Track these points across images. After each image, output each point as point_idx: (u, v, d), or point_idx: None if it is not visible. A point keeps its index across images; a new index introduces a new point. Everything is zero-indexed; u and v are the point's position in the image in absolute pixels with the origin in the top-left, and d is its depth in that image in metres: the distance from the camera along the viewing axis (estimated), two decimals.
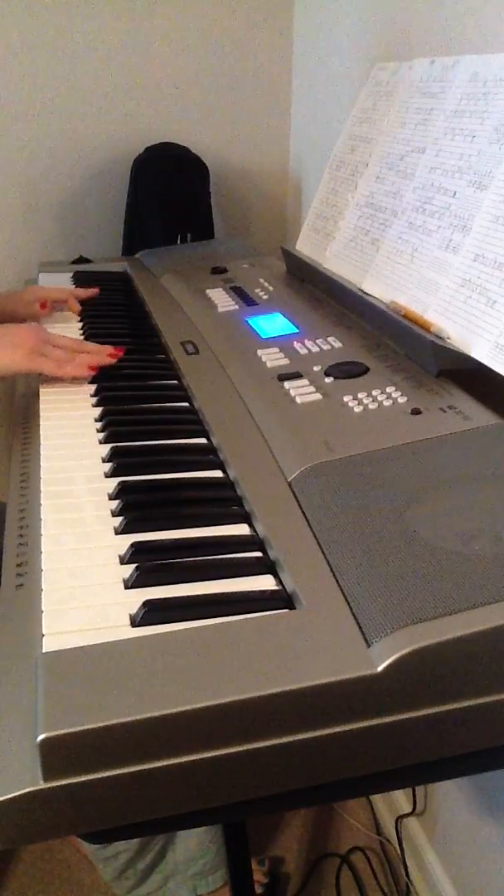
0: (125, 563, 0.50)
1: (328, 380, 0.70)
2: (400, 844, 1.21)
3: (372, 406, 0.64)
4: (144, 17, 1.28)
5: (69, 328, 0.97)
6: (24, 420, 0.74)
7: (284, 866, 1.24)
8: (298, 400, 0.67)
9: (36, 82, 1.28)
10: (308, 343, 0.78)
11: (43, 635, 0.44)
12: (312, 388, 0.68)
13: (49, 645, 0.43)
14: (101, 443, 0.67)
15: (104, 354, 0.81)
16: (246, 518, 0.55)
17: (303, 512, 0.52)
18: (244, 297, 0.94)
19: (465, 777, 1.00)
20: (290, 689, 0.38)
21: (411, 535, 0.47)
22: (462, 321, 0.67)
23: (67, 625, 0.45)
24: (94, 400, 0.76)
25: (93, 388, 0.78)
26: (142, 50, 1.30)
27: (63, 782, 0.37)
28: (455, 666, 0.40)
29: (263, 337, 0.82)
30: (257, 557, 0.51)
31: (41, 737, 0.36)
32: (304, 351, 0.76)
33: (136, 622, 0.44)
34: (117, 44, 1.29)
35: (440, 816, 1.12)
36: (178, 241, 1.31)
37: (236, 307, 0.92)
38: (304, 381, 0.70)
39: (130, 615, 0.45)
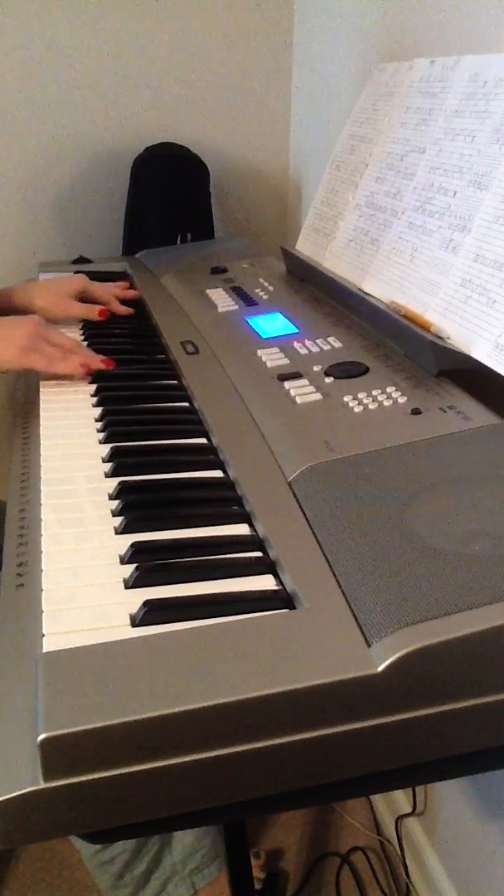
0: (125, 563, 0.50)
1: (328, 380, 0.70)
2: (400, 844, 1.21)
3: (372, 406, 0.64)
4: (145, 16, 1.28)
5: (70, 330, 0.97)
6: (24, 420, 0.74)
7: (284, 865, 1.24)
8: (298, 400, 0.67)
9: (36, 82, 1.28)
10: (308, 343, 0.78)
11: (43, 635, 0.44)
12: (312, 388, 0.68)
13: (49, 645, 0.43)
14: (101, 443, 0.67)
15: (97, 359, 0.81)
16: (246, 518, 0.55)
17: (303, 512, 0.52)
18: (244, 297, 0.94)
19: (465, 777, 1.00)
20: (290, 689, 0.38)
21: (411, 535, 0.47)
22: (462, 321, 0.67)
23: (67, 625, 0.45)
24: (94, 400, 0.76)
25: (93, 388, 0.78)
26: (142, 50, 1.30)
27: (63, 782, 0.37)
28: (455, 666, 0.40)
29: (263, 337, 0.82)
30: (257, 557, 0.51)
31: (41, 737, 0.36)
32: (304, 351, 0.76)
33: (136, 622, 0.44)
34: (117, 43, 1.29)
35: (440, 816, 1.12)
36: (178, 241, 1.30)
37: (236, 307, 0.92)
38: (304, 381, 0.70)
39: (130, 615, 0.45)
